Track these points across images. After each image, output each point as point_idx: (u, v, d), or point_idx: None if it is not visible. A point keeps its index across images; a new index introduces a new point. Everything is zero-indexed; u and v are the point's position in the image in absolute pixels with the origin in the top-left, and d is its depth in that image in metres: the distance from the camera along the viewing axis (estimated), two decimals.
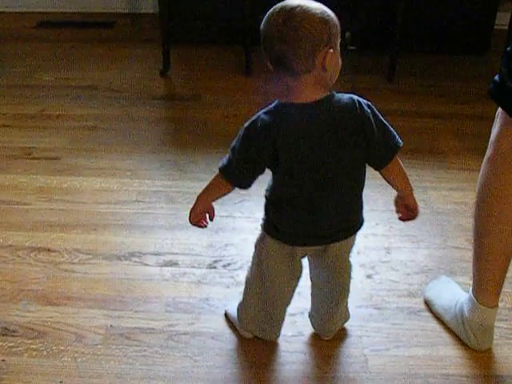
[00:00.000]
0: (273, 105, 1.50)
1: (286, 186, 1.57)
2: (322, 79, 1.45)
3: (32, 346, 1.87)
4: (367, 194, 2.40)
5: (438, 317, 1.96)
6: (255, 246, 1.73)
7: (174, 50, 3.28)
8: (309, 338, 1.90)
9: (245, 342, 1.89)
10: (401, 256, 2.20)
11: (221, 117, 2.88)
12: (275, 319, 1.84)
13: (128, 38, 3.62)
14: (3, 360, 1.83)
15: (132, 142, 2.76)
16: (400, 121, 2.90)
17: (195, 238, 2.26)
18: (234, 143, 1.53)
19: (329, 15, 1.41)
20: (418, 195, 2.41)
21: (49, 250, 2.21)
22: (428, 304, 2.00)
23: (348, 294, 1.83)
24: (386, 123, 1.53)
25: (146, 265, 2.15)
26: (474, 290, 1.82)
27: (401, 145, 1.55)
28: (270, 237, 1.66)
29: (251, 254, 1.76)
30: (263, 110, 1.50)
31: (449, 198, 2.45)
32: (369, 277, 2.12)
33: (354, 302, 2.01)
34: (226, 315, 1.95)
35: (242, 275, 2.06)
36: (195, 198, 1.70)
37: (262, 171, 1.55)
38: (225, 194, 1.64)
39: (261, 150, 1.49)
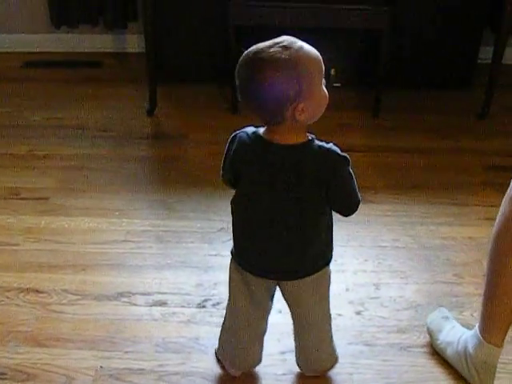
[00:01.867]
0: (257, 130, 1.53)
1: (240, 209, 1.62)
2: (297, 127, 1.47)
3: None
4: (355, 230, 2.48)
5: (437, 350, 1.96)
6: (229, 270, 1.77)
7: (160, 89, 3.30)
8: (299, 377, 1.90)
9: (235, 381, 1.88)
10: (390, 292, 2.21)
11: (207, 155, 2.89)
12: (242, 348, 1.83)
13: (115, 78, 3.64)
14: None
15: (120, 181, 2.77)
16: (385, 156, 2.94)
17: (184, 277, 2.26)
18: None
19: (299, 63, 1.38)
20: (405, 231, 2.48)
21: (37, 290, 2.20)
22: (430, 335, 1.99)
23: (324, 335, 1.81)
24: (355, 181, 1.57)
25: (135, 305, 2.15)
26: (480, 328, 1.81)
27: (360, 200, 1.59)
28: (231, 257, 1.71)
29: None
30: (251, 128, 1.55)
31: (436, 233, 2.47)
32: (358, 313, 2.12)
33: (344, 338, 2.02)
34: (216, 354, 1.95)
35: None
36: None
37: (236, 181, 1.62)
38: None
39: (230, 162, 1.58)
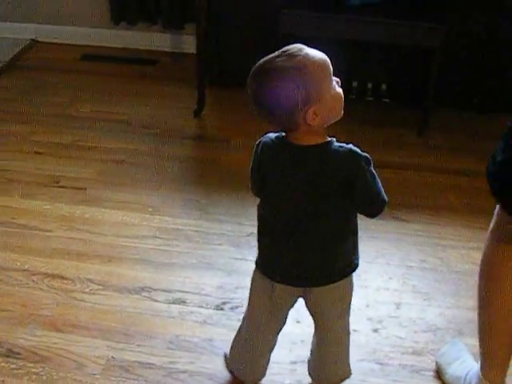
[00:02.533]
0: (281, 134, 1.55)
1: (267, 215, 1.62)
2: (313, 130, 1.48)
3: (33, 370, 1.91)
4: (384, 247, 2.45)
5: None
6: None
7: (211, 91, 3.34)
8: None
9: None
10: (410, 313, 2.18)
11: (246, 160, 2.88)
12: (253, 359, 1.84)
13: (168, 77, 3.70)
14: (3, 381, 1.87)
15: (158, 178, 2.81)
16: (425, 176, 2.89)
17: (207, 278, 2.28)
18: None
19: (305, 70, 1.41)
20: (435, 252, 2.44)
21: (62, 277, 2.26)
22: (439, 369, 1.95)
23: (343, 349, 1.81)
24: (379, 181, 1.55)
25: (155, 300, 2.18)
26: (480, 365, 1.78)
27: (386, 200, 1.56)
28: (255, 267, 1.70)
29: None
30: (274, 134, 1.57)
31: (467, 258, 2.42)
32: (375, 331, 2.10)
33: (356, 354, 2.00)
34: (225, 359, 1.95)
35: None
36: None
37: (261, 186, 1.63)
38: None
39: (256, 169, 1.60)
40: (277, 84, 1.41)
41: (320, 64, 1.45)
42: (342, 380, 1.87)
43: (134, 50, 3.94)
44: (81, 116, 3.28)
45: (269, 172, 1.57)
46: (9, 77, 3.66)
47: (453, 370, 1.90)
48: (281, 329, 1.79)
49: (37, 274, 2.27)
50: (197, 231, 2.50)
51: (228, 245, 2.43)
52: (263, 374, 1.87)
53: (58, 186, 2.73)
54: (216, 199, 2.69)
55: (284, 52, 1.44)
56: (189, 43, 3.83)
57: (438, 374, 1.94)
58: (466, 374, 1.84)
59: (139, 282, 2.25)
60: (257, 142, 1.60)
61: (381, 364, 1.98)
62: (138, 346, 2.00)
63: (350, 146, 1.52)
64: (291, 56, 1.43)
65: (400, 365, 1.98)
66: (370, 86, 3.34)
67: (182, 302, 2.18)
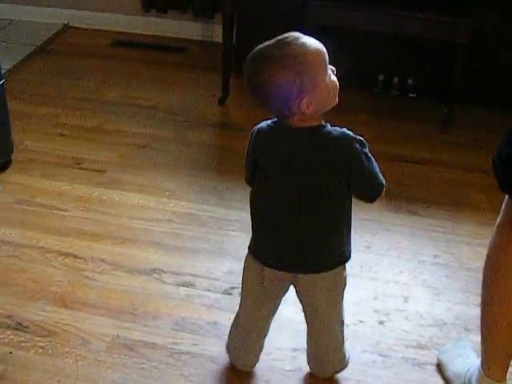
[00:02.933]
0: (274, 119, 1.57)
1: (260, 198, 1.63)
2: (308, 116, 1.50)
3: (39, 344, 1.95)
4: (397, 240, 2.45)
5: (447, 381, 1.90)
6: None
7: (236, 81, 3.35)
8: (306, 375, 1.90)
9: (241, 371, 1.90)
10: (418, 306, 2.17)
11: None
12: (245, 346, 1.85)
13: (196, 65, 3.72)
14: (10, 352, 1.91)
15: (177, 163, 2.84)
16: (445, 172, 2.88)
17: (217, 262, 2.31)
18: None
19: (300, 60, 1.42)
20: (448, 248, 2.42)
21: (75, 256, 2.30)
22: (440, 366, 1.94)
23: (335, 339, 1.80)
24: (375, 163, 1.55)
25: (164, 282, 2.21)
26: (481, 361, 1.76)
27: (383, 183, 1.57)
28: (248, 251, 1.72)
29: None
30: (271, 120, 1.58)
31: (481, 255, 2.37)
32: (381, 323, 2.10)
33: (359, 345, 2.01)
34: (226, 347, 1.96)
35: None
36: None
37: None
38: None
39: (250, 153, 1.63)
40: (272, 72, 1.43)
41: (316, 54, 1.46)
42: (338, 371, 1.88)
43: (164, 37, 3.98)
44: (107, 100, 3.33)
45: (261, 155, 1.59)
46: (40, 60, 3.73)
47: (454, 366, 1.89)
48: (272, 316, 1.80)
49: (51, 251, 2.31)
50: (211, 217, 2.53)
51: (241, 231, 2.45)
52: (255, 362, 1.88)
53: (78, 168, 2.78)
54: (233, 186, 2.70)
55: (281, 40, 1.45)
56: (218, 32, 3.83)
57: (440, 369, 1.93)
58: (467, 371, 1.83)
59: (150, 263, 2.28)
60: (252, 132, 1.63)
61: (383, 356, 1.98)
62: (144, 326, 2.03)
63: (344, 129, 1.54)
64: (288, 44, 1.43)
65: (403, 358, 1.97)
66: (396, 80, 3.33)
67: (191, 284, 2.20)
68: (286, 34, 1.46)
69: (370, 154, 1.54)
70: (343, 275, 1.71)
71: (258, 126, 1.60)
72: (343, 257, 1.69)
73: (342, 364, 1.87)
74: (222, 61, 3.26)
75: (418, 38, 3.09)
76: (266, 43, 1.47)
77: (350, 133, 1.53)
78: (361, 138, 1.53)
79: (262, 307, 1.76)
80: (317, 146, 1.51)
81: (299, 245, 1.61)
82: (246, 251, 2.33)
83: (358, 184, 1.55)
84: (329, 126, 1.53)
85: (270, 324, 1.82)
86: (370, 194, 1.58)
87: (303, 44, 1.44)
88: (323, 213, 1.58)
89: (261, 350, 1.86)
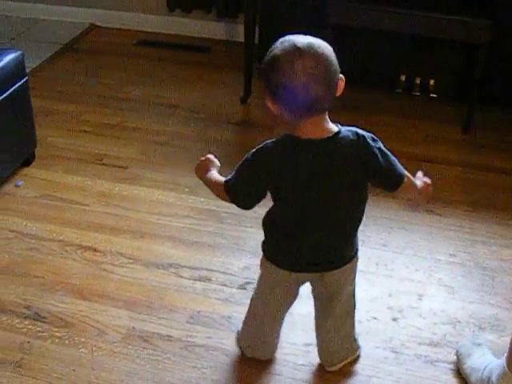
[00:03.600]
0: (281, 137, 1.56)
1: (285, 214, 1.64)
2: (325, 117, 1.53)
3: (56, 334, 1.99)
4: (414, 239, 2.45)
5: (463, 375, 1.90)
6: (260, 266, 1.79)
7: (259, 80, 3.37)
8: (318, 370, 1.92)
9: (255, 363, 1.92)
10: (432, 304, 2.17)
11: None
12: (264, 337, 1.88)
13: (219, 64, 3.76)
14: (28, 342, 1.96)
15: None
16: (466, 172, 2.87)
17: (234, 258, 2.33)
18: (239, 166, 1.62)
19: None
20: (465, 247, 2.42)
21: (95, 249, 2.34)
22: (458, 359, 1.95)
23: (351, 325, 1.86)
24: (391, 155, 1.59)
25: (181, 277, 2.24)
26: (508, 359, 1.75)
27: (405, 173, 1.62)
28: (268, 261, 1.72)
29: None
30: (270, 140, 1.57)
31: (497, 255, 2.39)
32: (394, 320, 2.10)
33: (372, 341, 2.02)
34: (237, 338, 1.99)
35: None
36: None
37: (263, 195, 1.62)
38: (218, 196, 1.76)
39: (264, 175, 1.57)
40: (327, 53, 1.46)
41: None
42: (352, 358, 1.92)
43: (188, 37, 4.02)
44: (131, 98, 3.37)
45: (284, 174, 1.55)
46: (66, 59, 3.79)
47: (472, 361, 1.89)
48: (290, 308, 1.84)
49: (70, 245, 2.36)
50: (229, 213, 2.55)
51: (258, 228, 2.39)
52: (274, 351, 1.92)
53: (100, 164, 2.82)
54: None
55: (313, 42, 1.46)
56: (242, 32, 3.86)
57: (456, 364, 1.93)
58: (485, 367, 1.83)
59: (168, 258, 2.32)
60: (255, 151, 1.59)
61: (396, 352, 1.99)
62: (159, 318, 2.06)
63: (355, 128, 1.56)
64: (322, 44, 1.47)
65: (415, 355, 1.98)
66: (417, 80, 3.32)
67: (208, 279, 2.23)
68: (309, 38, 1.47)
69: (384, 148, 1.57)
70: (357, 264, 1.78)
71: (262, 147, 1.57)
72: (356, 247, 1.75)
73: (354, 350, 1.91)
74: (244, 60, 3.29)
75: (440, 38, 3.09)
76: (312, 39, 1.46)
77: (361, 131, 1.55)
78: (372, 135, 1.56)
79: (282, 305, 1.81)
80: (336, 156, 1.53)
81: (329, 247, 1.66)
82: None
83: (379, 179, 1.61)
84: (341, 130, 1.54)
85: (284, 319, 1.87)
86: (391, 186, 1.63)
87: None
88: (350, 215, 1.64)
89: (279, 336, 1.91)
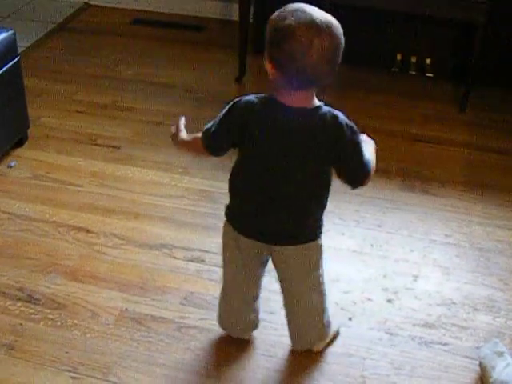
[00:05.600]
0: (265, 95, 1.56)
1: (242, 173, 1.66)
2: (307, 95, 1.52)
3: (49, 316, 1.98)
4: (409, 219, 2.44)
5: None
6: (222, 228, 1.80)
7: (253, 59, 3.34)
8: (312, 353, 1.90)
9: (249, 344, 1.92)
10: (427, 285, 2.16)
11: None
12: (232, 312, 1.88)
13: (214, 43, 3.72)
14: (21, 324, 1.95)
15: None
16: (461, 152, 2.86)
17: None
18: (220, 112, 1.61)
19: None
20: (460, 228, 2.41)
21: (88, 230, 2.32)
22: (483, 372, 1.85)
23: (316, 311, 1.82)
24: (364, 154, 1.57)
25: (174, 257, 2.22)
26: None
27: (369, 172, 1.58)
28: (227, 222, 1.74)
29: None
30: (253, 95, 1.57)
31: (493, 235, 2.38)
32: (389, 301, 2.10)
33: (366, 323, 2.01)
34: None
35: (265, 280, 2.10)
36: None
37: (230, 144, 1.63)
38: (198, 153, 1.74)
39: (234, 124, 1.58)
40: (338, 32, 1.44)
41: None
42: (319, 344, 1.90)
43: (184, 15, 3.98)
44: (124, 78, 3.34)
45: (256, 125, 1.55)
46: (59, 38, 3.75)
47: (497, 373, 1.81)
48: (258, 281, 1.82)
49: (64, 226, 2.34)
50: (223, 193, 2.45)
51: None
52: (250, 327, 1.91)
53: (93, 144, 2.80)
54: None
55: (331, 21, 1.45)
56: (237, 11, 3.83)
57: (480, 375, 1.86)
58: None
59: (161, 239, 2.30)
60: (235, 100, 1.58)
61: (390, 334, 1.98)
62: (153, 300, 2.05)
63: (338, 113, 1.54)
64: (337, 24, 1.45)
65: (409, 336, 1.97)
66: (413, 60, 3.30)
67: (201, 260, 2.22)
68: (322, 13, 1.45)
69: (360, 144, 1.56)
70: (317, 247, 1.74)
71: (243, 100, 1.57)
72: (315, 234, 1.71)
73: (322, 337, 1.89)
74: (239, 39, 3.25)
75: (436, 17, 3.06)
76: (319, 13, 1.44)
77: (344, 119, 1.53)
78: (352, 125, 1.54)
79: (245, 274, 1.79)
80: (310, 127, 1.52)
81: (278, 216, 1.63)
82: None
83: (339, 171, 1.58)
84: (324, 108, 1.53)
85: (255, 292, 1.84)
86: (354, 179, 1.60)
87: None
88: (303, 194, 1.61)
89: (251, 318, 1.89)
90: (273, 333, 1.95)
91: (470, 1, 2.86)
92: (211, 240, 2.29)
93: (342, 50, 1.46)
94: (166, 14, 4.01)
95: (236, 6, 3.77)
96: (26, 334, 1.92)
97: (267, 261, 1.78)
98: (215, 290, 2.09)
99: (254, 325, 1.91)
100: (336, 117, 1.52)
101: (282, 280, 1.79)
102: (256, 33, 3.39)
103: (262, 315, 1.93)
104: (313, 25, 1.41)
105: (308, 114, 1.51)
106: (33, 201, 2.45)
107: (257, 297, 1.86)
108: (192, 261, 2.21)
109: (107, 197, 2.49)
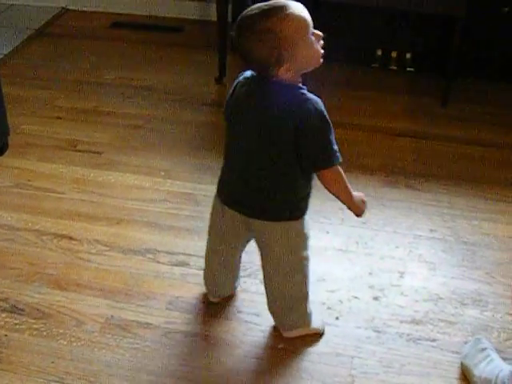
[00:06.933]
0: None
1: (227, 145, 1.75)
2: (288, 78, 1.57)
3: (34, 326, 1.95)
4: (393, 215, 2.44)
5: None
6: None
7: (233, 59, 3.33)
8: (299, 353, 1.89)
9: (235, 347, 1.91)
10: (413, 282, 2.16)
11: None
12: (210, 274, 1.98)
13: (193, 44, 3.70)
14: (5, 335, 1.92)
15: (173, 143, 2.83)
16: (444, 146, 2.86)
17: None
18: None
19: (280, 32, 1.50)
20: (445, 222, 2.41)
21: (71, 238, 2.30)
22: (465, 371, 1.84)
23: (295, 294, 1.84)
24: (331, 138, 1.59)
25: (159, 262, 2.21)
26: None
27: (335, 163, 1.61)
28: (216, 192, 1.84)
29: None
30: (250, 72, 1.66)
31: (477, 229, 2.38)
32: (375, 299, 2.09)
33: (353, 321, 2.00)
34: None
35: (249, 282, 2.10)
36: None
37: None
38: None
39: (230, 94, 1.70)
40: (250, 45, 1.51)
41: (297, 25, 1.50)
42: (302, 330, 1.92)
43: (162, 17, 3.97)
44: (104, 82, 3.32)
45: (235, 100, 1.67)
46: (37, 44, 3.72)
47: (480, 370, 1.80)
48: (237, 252, 1.92)
49: (46, 234, 2.31)
50: (207, 196, 2.50)
51: None
52: (227, 291, 2.02)
53: (74, 150, 2.78)
54: None
55: (264, 10, 1.49)
56: (215, 11, 3.82)
57: (465, 375, 1.84)
58: (497, 376, 1.74)
59: (145, 243, 2.28)
60: (239, 74, 1.69)
61: (378, 332, 1.97)
62: (138, 306, 2.03)
63: (315, 98, 1.57)
64: (269, 17, 1.48)
65: (397, 333, 1.97)
66: (394, 54, 3.30)
67: (186, 264, 2.20)
68: (273, 2, 1.51)
69: (327, 131, 1.58)
70: (299, 229, 1.76)
71: (241, 74, 1.67)
72: (293, 214, 1.73)
73: (304, 323, 1.91)
74: (218, 39, 3.24)
75: (416, 11, 3.06)
76: (253, 9, 1.51)
77: (318, 105, 1.57)
78: (323, 113, 1.57)
79: (225, 241, 1.88)
80: (279, 103, 1.57)
81: (251, 189, 1.70)
82: None
83: (305, 151, 1.60)
84: (303, 90, 1.58)
85: (234, 259, 1.94)
86: (316, 166, 1.63)
87: (286, 16, 1.48)
88: (272, 165, 1.64)
89: (229, 281, 2.00)
90: (259, 335, 1.94)
91: None
92: (195, 243, 2.28)
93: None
94: (144, 17, 3.99)
95: (214, 6, 3.77)
96: (11, 345, 1.89)
97: (249, 238, 1.86)
98: (200, 294, 2.08)
99: (233, 287, 2.03)
100: (309, 101, 1.56)
101: (261, 257, 1.84)
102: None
103: (247, 317, 1.95)
104: (239, 21, 1.55)
105: (283, 90, 1.56)
106: (15, 209, 2.43)
107: (236, 267, 1.97)
108: (177, 265, 2.20)
109: (90, 203, 2.47)
